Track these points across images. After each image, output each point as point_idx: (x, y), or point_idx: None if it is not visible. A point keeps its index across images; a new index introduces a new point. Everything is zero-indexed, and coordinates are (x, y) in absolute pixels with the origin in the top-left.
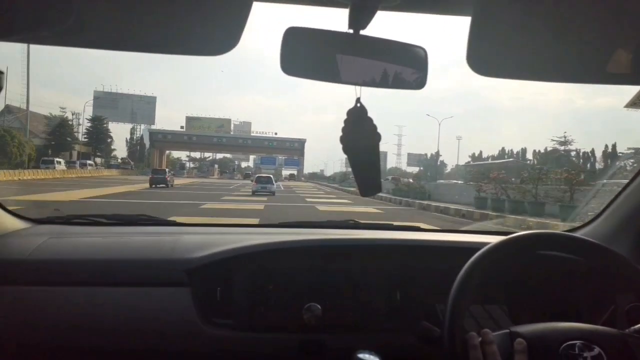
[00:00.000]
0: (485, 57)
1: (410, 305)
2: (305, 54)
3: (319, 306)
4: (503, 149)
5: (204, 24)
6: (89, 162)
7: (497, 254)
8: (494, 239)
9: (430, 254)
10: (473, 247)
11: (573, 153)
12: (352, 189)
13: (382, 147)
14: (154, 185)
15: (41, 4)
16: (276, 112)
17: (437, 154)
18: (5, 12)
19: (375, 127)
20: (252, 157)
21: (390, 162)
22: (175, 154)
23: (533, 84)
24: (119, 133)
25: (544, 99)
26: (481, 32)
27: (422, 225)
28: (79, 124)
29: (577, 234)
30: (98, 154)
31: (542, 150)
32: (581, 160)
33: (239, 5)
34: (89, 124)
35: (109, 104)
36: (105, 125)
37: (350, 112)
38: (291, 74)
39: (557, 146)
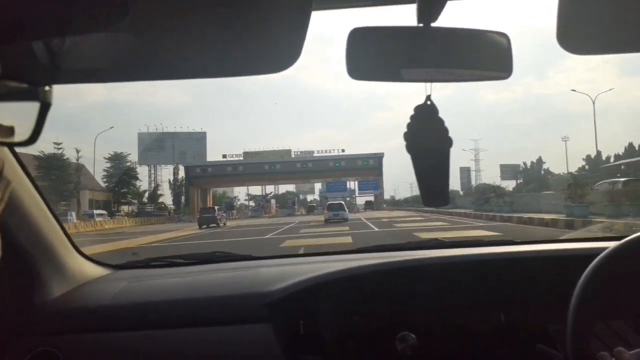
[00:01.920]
0: (580, 33)
1: (519, 328)
2: (373, 55)
3: (413, 335)
4: (630, 144)
5: (261, 40)
6: (97, 212)
7: (619, 259)
8: (607, 245)
9: (534, 268)
10: (586, 255)
11: None
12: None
13: (464, 163)
14: (204, 226)
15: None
16: (338, 143)
17: (540, 161)
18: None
19: (446, 130)
20: (317, 187)
21: (473, 180)
22: (234, 192)
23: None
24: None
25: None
26: (574, 3)
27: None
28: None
29: None
30: (122, 200)
31: None
32: None
33: (296, 16)
34: (108, 164)
35: (155, 146)
36: (128, 164)
37: (418, 109)
38: (359, 78)
39: None
